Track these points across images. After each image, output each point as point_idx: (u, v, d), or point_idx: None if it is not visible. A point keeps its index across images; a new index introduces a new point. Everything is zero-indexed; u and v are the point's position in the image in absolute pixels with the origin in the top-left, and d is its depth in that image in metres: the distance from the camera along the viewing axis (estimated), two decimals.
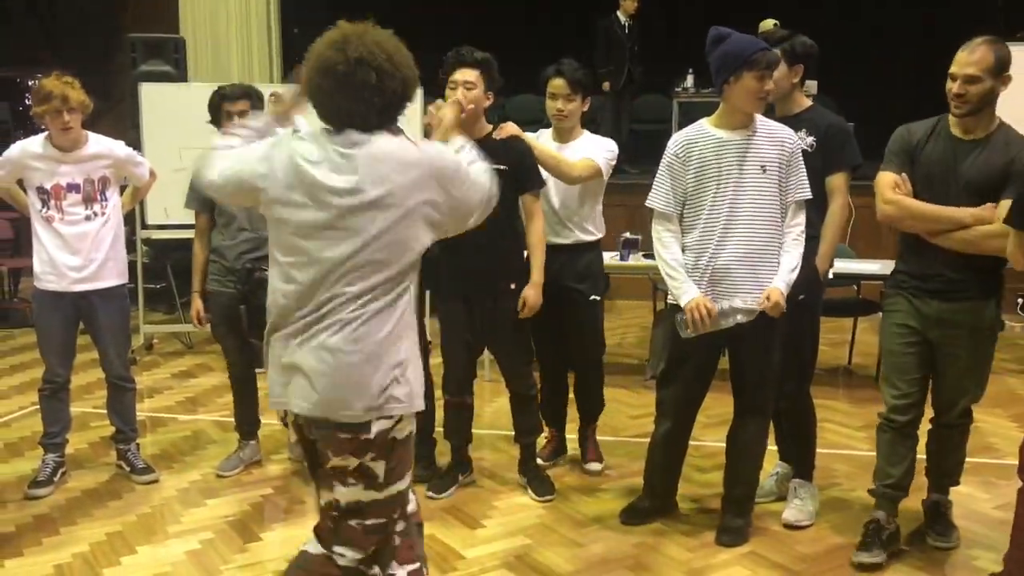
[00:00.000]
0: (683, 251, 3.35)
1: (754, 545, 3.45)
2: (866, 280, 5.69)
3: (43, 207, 3.79)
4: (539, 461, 4.07)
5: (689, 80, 8.80)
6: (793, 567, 3.29)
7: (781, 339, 3.37)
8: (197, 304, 3.99)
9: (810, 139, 3.47)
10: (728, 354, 3.45)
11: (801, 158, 3.32)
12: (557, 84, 3.80)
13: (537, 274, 3.69)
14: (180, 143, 5.91)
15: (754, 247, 3.28)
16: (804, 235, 3.31)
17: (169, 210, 5.99)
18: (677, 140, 3.37)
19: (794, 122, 3.47)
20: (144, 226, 6.29)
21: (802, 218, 3.32)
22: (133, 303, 6.14)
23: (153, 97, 6.24)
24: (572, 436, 4.29)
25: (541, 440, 4.11)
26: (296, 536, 3.52)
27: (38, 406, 4.04)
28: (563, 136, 3.92)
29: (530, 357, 3.90)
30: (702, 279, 3.30)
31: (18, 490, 3.94)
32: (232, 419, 4.30)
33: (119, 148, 3.96)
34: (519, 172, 3.60)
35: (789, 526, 3.59)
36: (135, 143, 6.09)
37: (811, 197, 3.32)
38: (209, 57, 9.11)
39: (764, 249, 3.28)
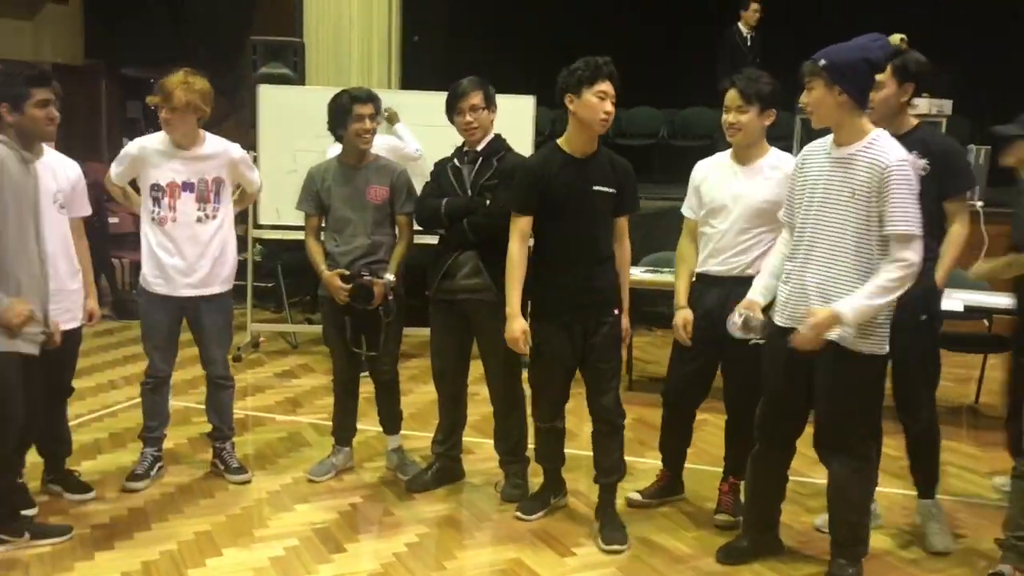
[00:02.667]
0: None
1: None
2: (998, 314, 5.29)
3: (156, 207, 3.83)
4: (638, 497, 3.92)
5: None
6: None
7: (870, 386, 3.08)
8: (335, 282, 3.87)
9: (922, 161, 3.26)
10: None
11: (902, 186, 2.91)
12: (731, 96, 3.50)
13: (625, 299, 3.65)
14: (295, 145, 5.99)
15: (829, 274, 3.02)
16: (907, 272, 2.91)
17: (281, 211, 6.05)
18: (803, 151, 3.21)
19: (903, 143, 3.20)
20: (257, 226, 6.38)
21: (907, 254, 2.91)
22: (242, 301, 6.33)
23: (271, 99, 6.32)
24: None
25: (651, 476, 3.96)
26: (382, 549, 3.46)
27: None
28: (741, 155, 3.56)
29: (618, 383, 3.66)
30: (790, 294, 3.13)
31: (117, 482, 3.99)
32: (329, 422, 4.27)
33: (234, 150, 3.98)
34: (624, 194, 3.55)
35: (937, 553, 3.48)
36: (253, 144, 6.25)
37: (912, 232, 2.91)
38: (329, 62, 9.22)
39: (839, 278, 3.00)
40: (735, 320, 3.20)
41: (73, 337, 3.62)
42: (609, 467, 3.62)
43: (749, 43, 8.46)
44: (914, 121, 3.41)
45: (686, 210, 3.76)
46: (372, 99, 3.90)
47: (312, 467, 4.18)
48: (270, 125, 6.27)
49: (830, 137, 3.10)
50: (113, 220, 7.93)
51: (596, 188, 3.47)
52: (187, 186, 3.82)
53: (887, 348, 3.05)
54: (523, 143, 5.40)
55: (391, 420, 4.22)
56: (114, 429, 4.74)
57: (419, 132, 5.87)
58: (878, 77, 3.20)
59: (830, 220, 3.01)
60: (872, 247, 2.96)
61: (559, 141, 3.53)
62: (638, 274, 5.45)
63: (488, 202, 3.76)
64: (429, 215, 3.87)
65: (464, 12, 9.87)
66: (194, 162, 3.83)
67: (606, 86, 3.36)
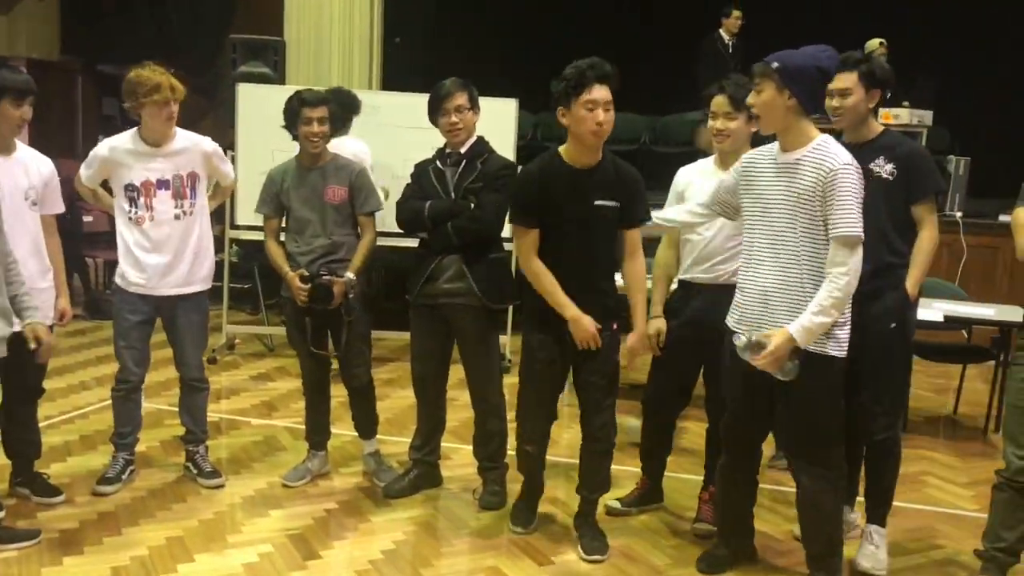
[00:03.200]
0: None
1: None
2: (978, 325, 5.30)
3: (131, 207, 3.76)
4: (618, 505, 3.88)
5: None
6: None
7: (834, 390, 3.04)
8: (295, 283, 3.81)
9: (889, 166, 3.28)
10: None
11: (846, 189, 2.86)
12: (718, 102, 3.45)
13: (641, 320, 3.45)
14: (273, 145, 5.88)
15: (783, 277, 2.98)
16: (848, 279, 2.87)
17: None
18: (744, 157, 3.19)
19: (869, 149, 3.27)
20: (234, 226, 6.31)
21: (848, 258, 2.85)
22: (218, 302, 6.25)
23: (250, 98, 6.24)
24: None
25: (631, 484, 3.94)
26: (358, 556, 3.41)
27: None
28: (726, 161, 3.50)
29: (614, 401, 3.53)
30: (743, 299, 3.11)
31: (87, 485, 3.91)
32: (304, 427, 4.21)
33: (206, 143, 3.92)
34: (631, 205, 3.38)
35: (866, 574, 3.36)
36: (232, 143, 6.17)
37: (853, 234, 2.86)
38: (311, 61, 9.14)
39: (790, 281, 2.97)
40: (744, 342, 3.01)
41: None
42: (596, 484, 3.56)
43: (731, 50, 8.49)
44: (879, 128, 3.40)
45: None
46: (323, 102, 3.84)
47: (287, 472, 4.11)
48: (249, 124, 6.19)
49: (774, 145, 3.07)
50: (87, 219, 7.82)
51: (598, 203, 3.31)
52: (162, 184, 3.76)
53: (846, 351, 2.99)
54: (506, 146, 5.36)
55: (367, 424, 4.17)
56: (85, 431, 4.66)
57: (400, 133, 5.82)
58: (846, 84, 3.25)
59: (779, 225, 2.98)
60: (821, 249, 2.92)
61: (560, 149, 3.37)
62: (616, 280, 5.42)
63: (472, 205, 3.72)
64: (411, 217, 3.81)
65: (446, 14, 9.83)
66: (168, 158, 3.77)
67: (597, 93, 3.20)
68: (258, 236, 6.25)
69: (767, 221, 3.02)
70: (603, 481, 3.57)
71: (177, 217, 3.79)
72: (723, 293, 3.38)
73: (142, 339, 3.88)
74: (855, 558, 3.43)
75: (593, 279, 3.39)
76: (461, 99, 3.75)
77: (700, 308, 3.53)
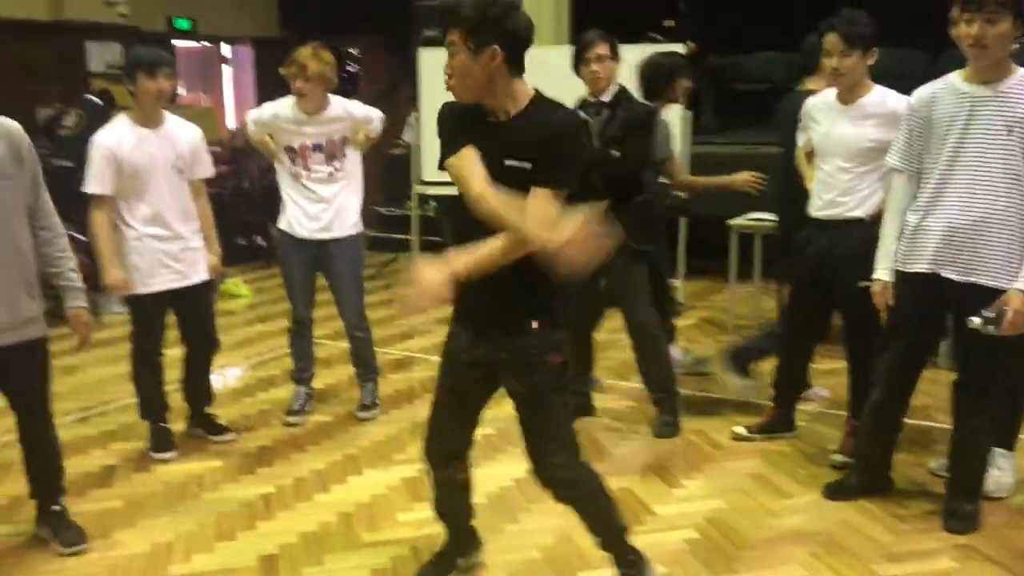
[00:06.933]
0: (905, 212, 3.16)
1: (968, 537, 3.17)
2: None
3: (292, 164, 4.24)
4: (743, 431, 4.02)
5: None
6: (1013, 566, 2.99)
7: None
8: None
9: None
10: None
11: None
12: (831, 41, 3.45)
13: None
14: None
15: (979, 214, 2.96)
16: None
17: None
18: (918, 94, 3.14)
19: None
20: (421, 182, 6.80)
21: None
22: (406, 251, 6.73)
23: (431, 61, 6.67)
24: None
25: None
26: (503, 474, 3.73)
27: (288, 349, 4.54)
28: (845, 96, 3.52)
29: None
30: (926, 241, 3.08)
31: (277, 416, 4.50)
32: None
33: (356, 109, 4.31)
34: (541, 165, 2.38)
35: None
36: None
37: None
38: None
39: (990, 218, 2.95)
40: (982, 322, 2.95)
41: (203, 289, 4.03)
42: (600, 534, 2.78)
43: None
44: None
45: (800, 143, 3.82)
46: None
47: None
48: (431, 87, 6.62)
49: (952, 77, 3.04)
50: None
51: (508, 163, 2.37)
52: (316, 147, 4.20)
53: None
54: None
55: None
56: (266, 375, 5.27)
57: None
58: None
59: (977, 158, 2.96)
60: None
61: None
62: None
63: (617, 153, 3.87)
64: None
65: None
66: (322, 125, 4.18)
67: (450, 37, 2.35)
68: (445, 191, 6.75)
69: (960, 155, 2.99)
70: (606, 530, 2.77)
71: (330, 175, 4.23)
72: (847, 228, 3.41)
73: (306, 281, 4.34)
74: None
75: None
76: (602, 48, 3.91)
77: (824, 246, 3.59)
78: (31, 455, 3.22)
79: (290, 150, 4.22)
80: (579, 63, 3.97)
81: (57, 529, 3.24)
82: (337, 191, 4.25)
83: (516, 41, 2.34)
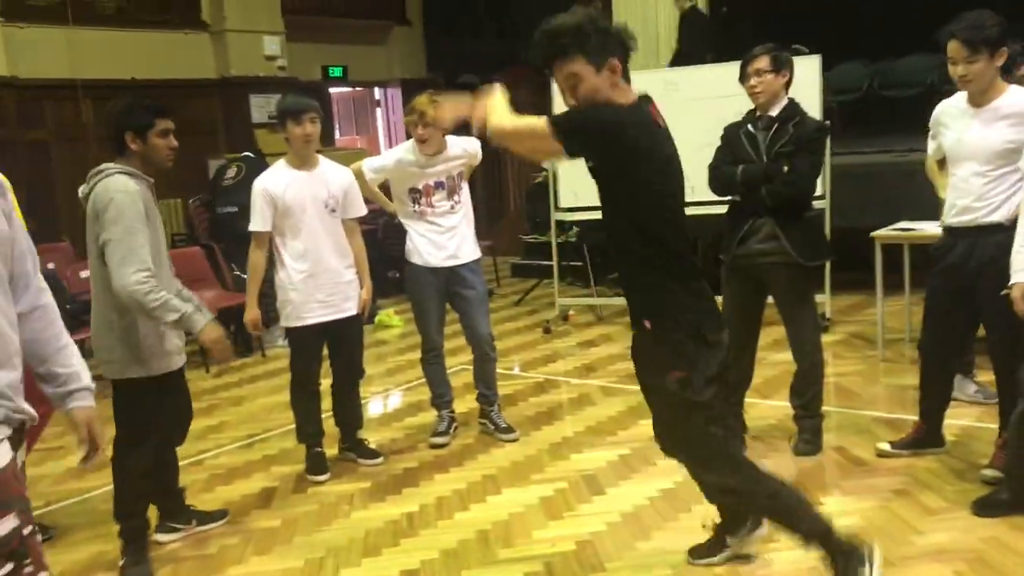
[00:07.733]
0: None
1: None
2: None
3: (415, 204, 4.46)
4: (887, 447, 3.91)
5: None
6: None
7: None
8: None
9: None
10: None
11: None
12: (954, 48, 3.34)
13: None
14: None
15: None
16: None
17: (579, 194, 6.57)
18: None
19: None
20: (557, 208, 6.94)
21: None
22: (549, 278, 6.86)
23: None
24: None
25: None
26: (635, 493, 3.78)
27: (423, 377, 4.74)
28: (977, 98, 3.43)
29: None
30: None
31: (423, 438, 4.71)
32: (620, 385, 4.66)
33: (470, 145, 4.52)
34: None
35: None
36: None
37: None
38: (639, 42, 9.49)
39: None
40: None
41: (354, 323, 4.26)
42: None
43: None
44: None
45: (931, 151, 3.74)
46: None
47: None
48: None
49: None
50: None
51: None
52: (439, 185, 4.43)
53: None
54: (811, 104, 5.21)
55: None
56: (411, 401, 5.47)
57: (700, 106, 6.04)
58: None
59: None
60: None
61: None
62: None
63: (785, 168, 3.81)
64: (725, 182, 3.95)
65: None
66: (442, 164, 4.41)
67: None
68: (584, 216, 6.88)
69: None
70: None
71: (452, 207, 4.46)
72: (984, 235, 3.30)
73: (439, 308, 4.53)
74: None
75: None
76: (761, 62, 3.85)
77: (962, 254, 3.48)
78: None
79: (414, 191, 4.45)
80: (741, 77, 3.93)
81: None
82: (458, 221, 4.47)
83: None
